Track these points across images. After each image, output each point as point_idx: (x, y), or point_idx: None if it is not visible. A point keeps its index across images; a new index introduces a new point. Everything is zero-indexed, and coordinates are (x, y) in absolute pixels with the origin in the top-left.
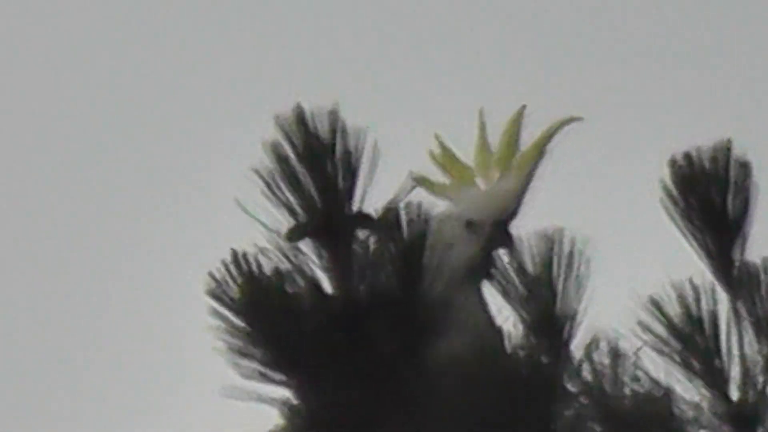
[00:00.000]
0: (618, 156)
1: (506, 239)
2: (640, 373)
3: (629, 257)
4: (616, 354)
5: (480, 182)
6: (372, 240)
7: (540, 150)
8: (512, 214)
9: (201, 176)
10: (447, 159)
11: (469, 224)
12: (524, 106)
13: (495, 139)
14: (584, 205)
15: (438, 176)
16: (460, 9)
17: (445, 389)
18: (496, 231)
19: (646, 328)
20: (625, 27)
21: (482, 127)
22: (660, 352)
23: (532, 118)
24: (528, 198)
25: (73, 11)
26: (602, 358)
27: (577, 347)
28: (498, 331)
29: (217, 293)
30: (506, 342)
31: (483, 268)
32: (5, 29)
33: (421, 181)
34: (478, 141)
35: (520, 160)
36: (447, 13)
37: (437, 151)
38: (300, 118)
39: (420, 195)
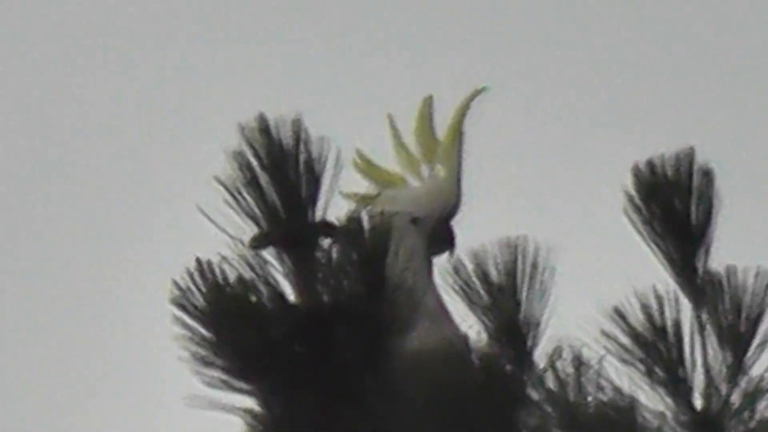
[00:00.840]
0: (581, 164)
1: (450, 236)
2: (603, 382)
3: (593, 266)
4: (579, 362)
5: (412, 180)
6: (335, 248)
7: (456, 132)
8: (454, 208)
9: (165, 185)
10: (369, 168)
11: (414, 221)
12: (431, 97)
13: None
14: (548, 213)
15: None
16: (421, 17)
17: (408, 396)
18: (440, 227)
19: (610, 337)
20: (588, 35)
21: (395, 130)
22: (623, 360)
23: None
24: (465, 187)
25: (32, 31)
26: (566, 366)
27: (540, 356)
28: (458, 330)
29: (181, 302)
30: (470, 346)
31: (430, 264)
32: None
33: (350, 197)
34: (395, 142)
35: (443, 150)
36: (411, 20)
37: (359, 162)
38: (263, 126)
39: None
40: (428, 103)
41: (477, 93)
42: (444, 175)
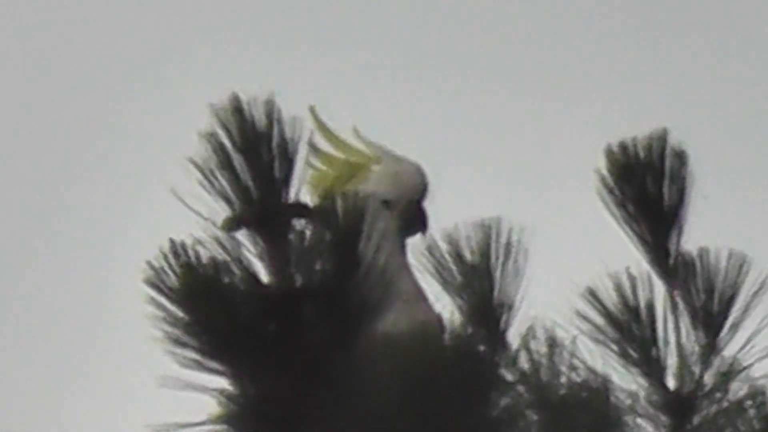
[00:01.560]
0: (554, 145)
1: (422, 218)
2: (576, 362)
3: (566, 247)
4: (553, 343)
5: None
6: (308, 229)
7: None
8: (424, 190)
9: (138, 166)
10: (323, 130)
11: (386, 203)
12: (313, 107)
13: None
14: (522, 194)
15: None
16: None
17: (381, 377)
18: (411, 209)
19: (583, 318)
20: (561, 16)
21: (320, 122)
22: (597, 341)
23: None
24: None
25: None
26: (539, 346)
27: (514, 336)
28: (432, 311)
29: (155, 282)
30: (444, 324)
31: (404, 246)
32: None
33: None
34: (324, 134)
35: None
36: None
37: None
38: (236, 107)
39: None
40: (314, 113)
41: (313, 113)
42: (406, 160)
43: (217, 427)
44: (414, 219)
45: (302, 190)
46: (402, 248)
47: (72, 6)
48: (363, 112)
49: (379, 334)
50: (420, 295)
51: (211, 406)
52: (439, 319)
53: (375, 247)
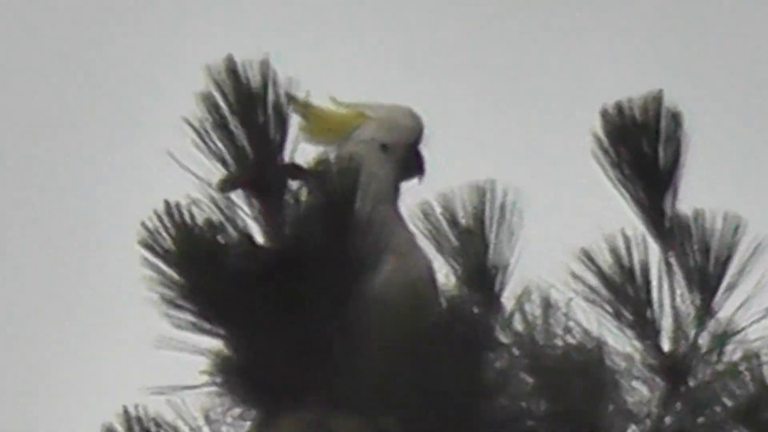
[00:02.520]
0: (549, 107)
1: (420, 161)
2: (571, 324)
3: (561, 208)
4: (547, 305)
5: (372, 109)
6: (303, 190)
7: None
8: (420, 133)
9: (133, 127)
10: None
11: (384, 147)
12: (307, 92)
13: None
14: (516, 156)
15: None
16: None
17: (376, 339)
18: (409, 153)
19: (578, 279)
20: None
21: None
22: (592, 302)
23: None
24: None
25: None
26: (534, 309)
27: (508, 298)
28: (425, 258)
29: (150, 244)
30: (434, 272)
31: (398, 190)
32: None
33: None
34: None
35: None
36: None
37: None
38: (231, 68)
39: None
40: (305, 102)
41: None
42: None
43: (213, 388)
44: (411, 163)
45: (296, 151)
46: (396, 194)
47: None
48: (354, 73)
49: (373, 294)
50: (412, 245)
51: (207, 368)
52: (430, 270)
53: (370, 206)
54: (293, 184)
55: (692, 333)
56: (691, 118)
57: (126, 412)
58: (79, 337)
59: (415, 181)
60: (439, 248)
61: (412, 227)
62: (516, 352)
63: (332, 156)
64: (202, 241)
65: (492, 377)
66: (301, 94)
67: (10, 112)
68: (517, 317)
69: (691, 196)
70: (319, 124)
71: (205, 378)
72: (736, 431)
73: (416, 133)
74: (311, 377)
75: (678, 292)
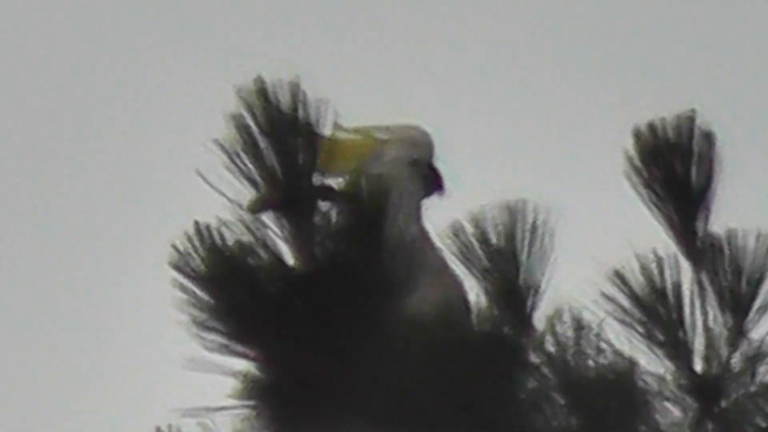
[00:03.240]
0: (582, 127)
1: (439, 178)
2: (603, 345)
3: (593, 228)
4: (579, 325)
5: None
6: (333, 211)
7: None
8: (434, 149)
9: (163, 148)
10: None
11: (413, 162)
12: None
13: None
14: (548, 176)
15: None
16: None
17: (406, 359)
18: (429, 169)
19: (610, 300)
20: None
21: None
22: (623, 323)
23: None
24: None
25: None
26: (566, 329)
27: (540, 319)
28: (457, 277)
29: (180, 265)
30: (466, 293)
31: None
32: None
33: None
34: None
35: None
36: None
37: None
38: (262, 90)
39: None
40: (335, 135)
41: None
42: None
43: (243, 409)
44: (432, 179)
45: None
46: (420, 212)
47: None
48: (385, 94)
49: (404, 315)
50: (443, 264)
51: (238, 389)
52: (461, 288)
53: (400, 227)
54: (323, 204)
55: (724, 353)
56: (723, 137)
57: None
58: (111, 358)
59: (436, 198)
60: (470, 268)
61: (442, 246)
62: (548, 372)
63: (361, 178)
64: (232, 262)
65: (524, 397)
66: (331, 117)
67: (42, 133)
68: (549, 338)
69: (724, 216)
70: (332, 155)
71: (236, 399)
72: None
73: (433, 149)
74: (343, 398)
75: (710, 312)
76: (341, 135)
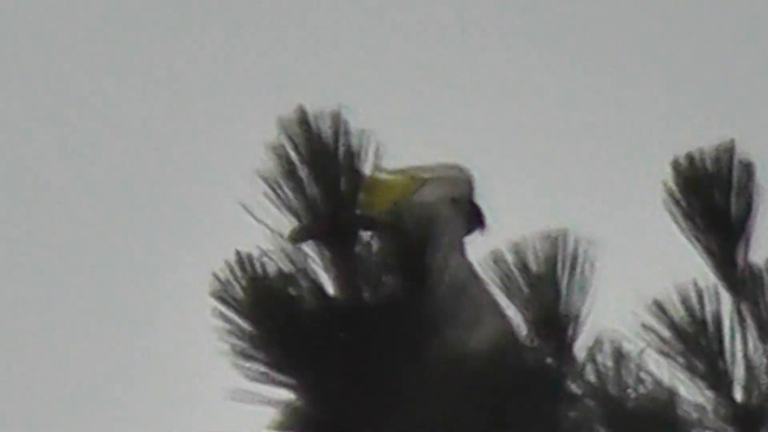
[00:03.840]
0: (621, 157)
1: (480, 214)
2: (643, 375)
3: (633, 258)
4: (619, 355)
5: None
6: (375, 241)
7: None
8: (474, 189)
9: (205, 179)
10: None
11: (454, 201)
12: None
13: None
14: (588, 206)
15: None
16: (468, 14)
17: (449, 392)
18: (470, 206)
19: (650, 330)
20: (626, 26)
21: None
22: (664, 353)
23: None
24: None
25: (77, 7)
26: (606, 359)
27: (580, 348)
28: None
29: (221, 295)
30: (513, 327)
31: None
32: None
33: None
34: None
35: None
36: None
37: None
38: (303, 119)
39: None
40: (375, 175)
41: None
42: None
43: None
44: (472, 217)
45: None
46: (464, 247)
47: (142, 15)
48: (424, 123)
49: (447, 348)
50: (489, 301)
51: (278, 419)
52: (508, 323)
53: (444, 257)
54: (365, 234)
55: (765, 383)
56: (763, 168)
57: None
58: (152, 388)
59: (478, 235)
60: (511, 297)
61: (487, 280)
62: (588, 402)
63: (403, 206)
64: (273, 291)
65: (564, 428)
66: (373, 148)
67: (86, 160)
68: (589, 367)
69: (764, 246)
70: (373, 194)
71: (276, 429)
72: None
73: (473, 186)
74: (384, 427)
75: (750, 342)
76: (382, 176)
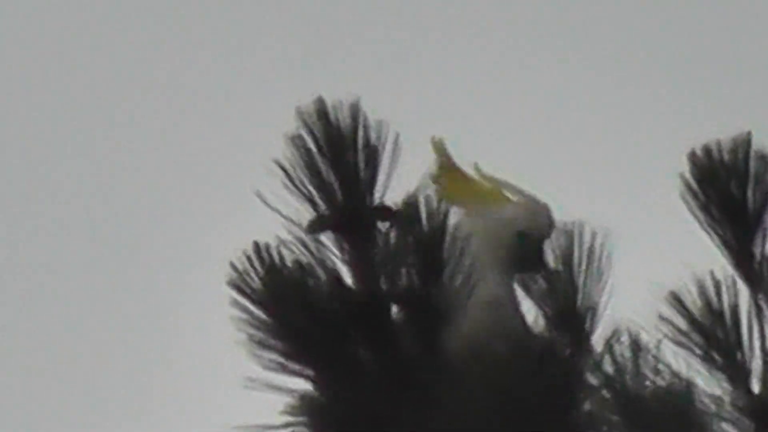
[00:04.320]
0: (638, 149)
1: (542, 257)
2: (661, 367)
3: (650, 251)
4: (637, 347)
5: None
6: (392, 233)
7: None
8: (551, 231)
9: (223, 168)
10: (450, 172)
11: (520, 234)
12: (440, 140)
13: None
14: (605, 198)
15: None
16: (488, 8)
17: (466, 383)
18: (535, 247)
19: (667, 322)
20: (643, 18)
21: (444, 153)
22: (681, 345)
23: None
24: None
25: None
26: (623, 351)
27: (598, 340)
28: (527, 328)
29: (239, 284)
30: (529, 327)
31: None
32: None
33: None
34: (446, 168)
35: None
36: (472, 9)
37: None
38: (321, 110)
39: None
40: (439, 146)
41: (438, 146)
42: (539, 198)
43: (298, 427)
44: (534, 257)
45: (386, 194)
46: (511, 281)
47: (164, 12)
48: (447, 117)
49: (463, 338)
50: (507, 299)
51: (293, 408)
52: (524, 322)
53: (460, 250)
54: (383, 225)
55: None
56: None
57: None
58: (168, 377)
59: (527, 275)
60: (528, 290)
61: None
62: (606, 394)
63: (460, 222)
64: (291, 282)
65: (582, 419)
66: (391, 139)
67: (105, 150)
68: (607, 359)
69: None
70: (456, 188)
71: (290, 417)
72: None
73: (550, 231)
74: (399, 419)
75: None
76: (474, 174)
